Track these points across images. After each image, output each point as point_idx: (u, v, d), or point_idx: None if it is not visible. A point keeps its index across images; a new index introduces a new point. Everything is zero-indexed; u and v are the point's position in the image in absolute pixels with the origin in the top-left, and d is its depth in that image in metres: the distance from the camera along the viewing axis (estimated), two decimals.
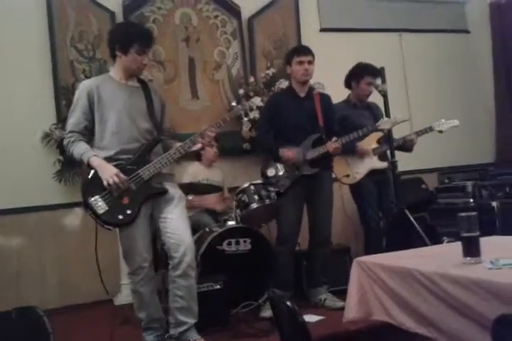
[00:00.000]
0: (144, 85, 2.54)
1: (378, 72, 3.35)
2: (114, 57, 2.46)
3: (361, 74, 3.46)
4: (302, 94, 3.20)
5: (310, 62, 3.13)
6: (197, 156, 3.77)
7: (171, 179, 2.58)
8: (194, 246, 2.49)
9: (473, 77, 5.21)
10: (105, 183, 2.30)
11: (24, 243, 3.72)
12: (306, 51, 3.18)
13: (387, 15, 4.88)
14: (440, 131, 3.41)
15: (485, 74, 5.23)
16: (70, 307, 3.67)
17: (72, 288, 3.76)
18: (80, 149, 2.38)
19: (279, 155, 3.08)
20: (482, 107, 5.13)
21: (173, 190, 2.52)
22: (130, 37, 2.38)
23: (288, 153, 3.06)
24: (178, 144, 2.48)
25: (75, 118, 2.42)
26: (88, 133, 2.44)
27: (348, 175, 3.43)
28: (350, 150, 3.38)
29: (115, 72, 2.49)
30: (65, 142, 2.44)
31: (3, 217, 3.66)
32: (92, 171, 2.35)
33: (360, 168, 3.40)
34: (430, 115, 4.46)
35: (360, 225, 3.54)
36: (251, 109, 2.69)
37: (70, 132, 2.42)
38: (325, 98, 3.26)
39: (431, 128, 3.43)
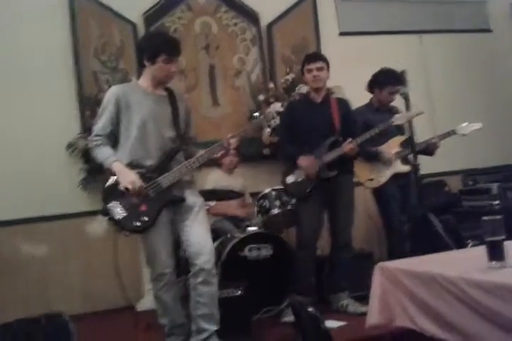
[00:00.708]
0: (171, 93, 2.57)
1: (402, 80, 3.33)
2: (142, 66, 2.51)
3: (384, 82, 3.42)
4: (318, 100, 3.23)
5: (319, 69, 3.14)
6: (218, 163, 3.81)
7: (192, 186, 2.60)
8: (215, 254, 2.51)
9: (496, 76, 5.11)
10: (122, 189, 2.34)
11: (51, 250, 3.79)
12: (314, 58, 3.21)
13: (407, 16, 4.84)
14: (463, 135, 3.37)
15: (509, 73, 5.12)
16: (95, 313, 3.73)
17: (96, 294, 3.81)
18: (104, 154, 2.42)
19: (298, 162, 3.10)
20: (506, 107, 5.03)
21: (194, 198, 2.54)
22: (157, 46, 2.43)
23: (305, 162, 3.07)
24: (200, 153, 2.50)
25: (101, 123, 2.46)
26: (114, 138, 2.48)
27: (371, 179, 3.41)
28: (373, 158, 3.37)
29: (143, 80, 2.54)
30: (90, 145, 2.50)
31: (31, 225, 3.74)
32: (113, 177, 2.38)
33: (384, 172, 3.37)
34: (454, 117, 4.40)
35: (383, 230, 3.51)
36: (273, 118, 2.68)
37: (97, 135, 2.46)
38: (343, 103, 3.28)
39: (454, 132, 3.39)
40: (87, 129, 3.78)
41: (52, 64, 3.89)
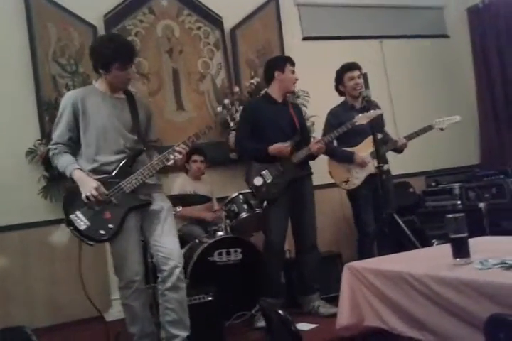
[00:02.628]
0: (130, 97, 2.52)
1: (354, 65, 3.46)
2: (97, 72, 2.45)
3: (341, 74, 3.51)
4: (279, 100, 3.25)
5: (293, 72, 3.24)
6: (185, 169, 3.77)
7: (159, 190, 2.55)
8: (183, 259, 2.47)
9: (454, 80, 5.28)
10: (83, 197, 2.27)
11: (10, 261, 3.65)
12: (292, 63, 3.27)
13: (368, 22, 4.95)
14: (441, 129, 3.39)
15: (466, 77, 5.30)
16: (60, 325, 3.61)
17: (61, 306, 3.69)
18: (63, 162, 2.35)
19: (269, 152, 3.07)
20: (465, 110, 5.16)
21: (161, 202, 2.49)
22: (109, 55, 2.34)
23: (275, 146, 3.05)
24: (160, 155, 2.45)
25: (59, 130, 2.39)
26: (74, 145, 2.41)
27: (346, 181, 3.42)
28: (349, 160, 3.39)
29: (100, 84, 2.47)
30: (50, 154, 2.42)
31: None
32: (73, 185, 2.31)
33: (359, 173, 3.39)
34: (414, 119, 4.50)
35: (352, 231, 3.54)
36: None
37: (55, 144, 2.39)
38: (297, 108, 3.38)
39: (430, 127, 3.40)
40: (46, 135, 3.69)
41: (8, 68, 3.77)
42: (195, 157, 3.75)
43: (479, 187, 3.94)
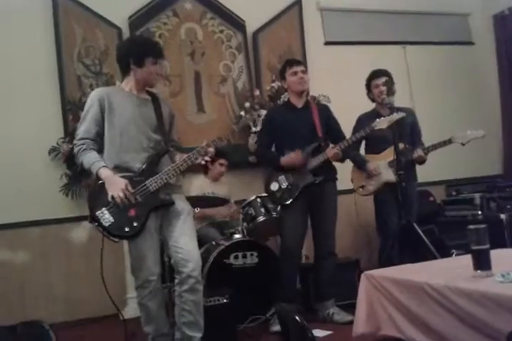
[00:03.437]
0: (154, 97, 2.55)
1: (379, 72, 3.43)
2: (126, 71, 2.48)
3: (368, 82, 3.50)
4: (299, 105, 3.23)
5: (303, 72, 3.18)
6: (204, 169, 3.78)
7: (179, 190, 2.56)
8: (201, 261, 2.47)
9: (479, 88, 5.21)
10: (109, 197, 2.30)
11: (30, 257, 3.72)
12: (297, 62, 3.26)
13: (391, 28, 4.91)
14: (462, 144, 3.25)
15: (491, 85, 5.22)
16: (77, 321, 3.66)
17: (78, 302, 3.74)
18: (89, 159, 2.36)
19: (281, 163, 3.09)
20: (488, 119, 5.10)
21: (182, 203, 2.51)
22: (144, 49, 2.42)
23: (288, 158, 3.06)
24: (185, 155, 2.46)
25: (85, 125, 2.41)
26: (100, 140, 2.43)
27: (362, 186, 3.41)
28: (361, 168, 3.39)
29: (126, 84, 2.50)
30: (75, 150, 2.42)
31: (10, 230, 3.67)
32: (99, 182, 2.34)
33: (375, 180, 3.37)
34: (436, 127, 4.46)
35: (369, 238, 3.51)
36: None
37: (81, 139, 2.40)
38: (323, 108, 3.29)
39: (450, 141, 3.28)
40: (69, 133, 3.74)
41: (35, 67, 3.84)
42: (222, 161, 3.76)
43: (501, 197, 3.87)
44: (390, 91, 3.01)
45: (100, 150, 2.43)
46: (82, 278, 3.74)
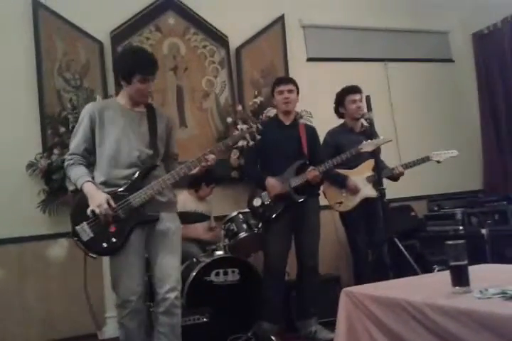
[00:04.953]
0: (150, 110, 2.50)
1: (356, 89, 3.47)
2: (119, 84, 2.46)
3: (342, 96, 3.52)
4: (287, 122, 3.24)
5: (290, 91, 3.20)
6: (195, 188, 3.73)
7: (169, 209, 2.47)
8: (181, 284, 2.41)
9: (459, 105, 5.28)
10: (89, 212, 2.25)
11: (5, 275, 3.61)
12: (285, 81, 3.27)
13: (373, 44, 4.98)
14: (438, 161, 3.43)
15: (470, 102, 5.30)
16: None
17: (56, 322, 3.63)
18: (76, 173, 2.34)
19: (265, 184, 3.08)
20: (469, 135, 5.17)
21: (169, 222, 2.43)
22: (131, 67, 2.36)
23: (271, 182, 3.06)
24: (174, 170, 2.41)
25: (76, 141, 2.39)
26: (89, 156, 2.41)
27: (340, 202, 3.40)
28: (341, 185, 3.37)
29: (121, 97, 2.48)
30: (64, 164, 2.41)
31: None
32: (82, 197, 2.30)
33: (353, 197, 3.36)
34: (418, 143, 4.52)
35: (349, 254, 3.49)
36: (258, 133, 2.59)
37: (71, 154, 2.39)
38: (310, 129, 3.32)
39: (428, 158, 3.43)
40: (48, 149, 3.69)
41: (14, 80, 3.79)
42: (213, 185, 3.78)
43: (482, 212, 3.89)
44: (370, 107, 3.02)
45: (89, 166, 2.40)
46: (59, 297, 3.65)
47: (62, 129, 3.68)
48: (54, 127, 3.73)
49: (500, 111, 5.06)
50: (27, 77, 3.82)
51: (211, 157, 2.42)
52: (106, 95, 3.92)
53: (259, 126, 2.53)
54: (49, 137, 3.74)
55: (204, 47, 4.36)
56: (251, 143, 2.57)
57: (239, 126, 2.89)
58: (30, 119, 3.77)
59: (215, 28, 4.37)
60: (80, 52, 3.95)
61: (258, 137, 2.52)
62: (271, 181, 3.07)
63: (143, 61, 2.38)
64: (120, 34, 4.09)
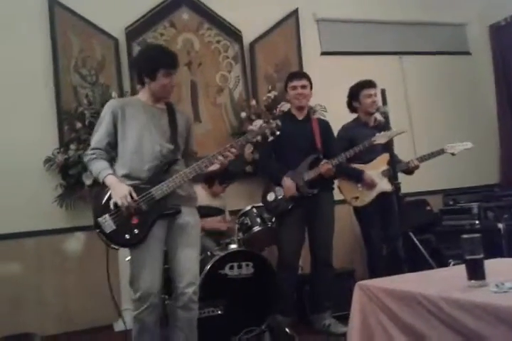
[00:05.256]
0: (170, 107, 2.53)
1: (372, 83, 3.44)
2: (141, 82, 2.47)
3: (357, 90, 3.49)
4: (300, 117, 3.24)
5: (303, 87, 3.18)
6: (209, 184, 3.76)
7: (189, 204, 2.49)
8: (199, 279, 2.43)
9: (475, 98, 5.21)
10: (111, 204, 2.28)
11: (23, 268, 3.68)
12: (299, 76, 3.25)
13: (387, 38, 4.93)
14: (452, 154, 3.39)
15: (487, 95, 5.23)
16: (70, 333, 3.61)
17: (72, 314, 3.70)
18: (98, 167, 2.36)
19: (281, 183, 3.08)
20: (485, 128, 5.11)
21: (189, 216, 2.44)
22: (155, 62, 2.39)
23: (287, 183, 3.06)
24: (195, 163, 2.42)
25: (98, 135, 2.42)
26: (111, 150, 2.43)
27: (356, 197, 3.38)
28: (357, 179, 3.35)
29: (143, 95, 2.50)
30: (85, 159, 2.43)
31: (3, 241, 3.62)
32: (105, 190, 2.32)
33: (369, 191, 3.34)
34: (433, 136, 4.47)
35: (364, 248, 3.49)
36: (278, 129, 2.60)
37: (93, 149, 2.41)
38: (323, 123, 3.31)
39: (443, 151, 3.40)
40: (64, 144, 3.74)
41: (31, 76, 3.84)
42: (225, 184, 3.79)
43: (498, 207, 3.85)
44: (385, 101, 3.00)
45: (112, 160, 2.43)
46: (76, 290, 3.71)
47: (79, 125, 3.73)
48: (70, 123, 3.77)
49: None
50: (44, 73, 3.87)
51: (233, 151, 2.43)
52: (121, 91, 3.96)
53: (279, 123, 2.53)
54: (66, 132, 3.79)
55: (218, 42, 4.37)
56: (270, 138, 2.57)
57: (254, 122, 2.89)
58: (47, 115, 3.82)
59: (228, 23, 4.38)
60: (96, 48, 3.99)
61: (277, 133, 2.51)
62: (287, 182, 3.07)
63: (165, 56, 2.42)
64: (135, 30, 4.11)
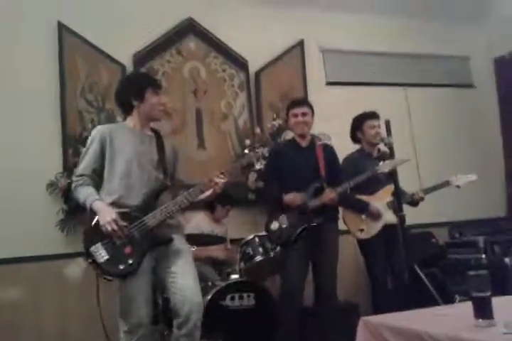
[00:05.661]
0: (157, 134, 2.55)
1: (375, 114, 3.48)
2: (128, 110, 2.50)
3: (361, 121, 3.52)
4: (304, 145, 3.23)
5: (304, 114, 3.19)
6: (210, 209, 3.72)
7: (179, 232, 2.49)
8: (203, 305, 2.38)
9: (480, 130, 5.20)
10: (104, 229, 2.24)
11: (24, 294, 3.61)
12: (299, 103, 3.27)
13: (392, 69, 4.96)
14: (458, 186, 3.38)
15: (492, 128, 5.22)
16: None
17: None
18: (85, 193, 2.35)
19: (284, 201, 3.04)
20: (491, 161, 5.08)
21: (182, 244, 2.45)
22: (141, 83, 2.47)
23: (291, 196, 3.02)
24: (188, 191, 2.42)
25: (85, 162, 2.42)
26: (97, 178, 2.42)
27: (362, 230, 3.33)
28: (363, 211, 3.31)
29: (130, 121, 2.52)
30: (72, 185, 2.43)
31: (3, 266, 3.56)
32: (96, 217, 2.29)
33: (375, 223, 3.30)
34: (438, 168, 4.44)
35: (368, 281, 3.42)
36: (263, 157, 2.65)
37: (79, 175, 2.40)
38: (328, 149, 3.29)
39: (447, 183, 3.40)
40: (68, 168, 3.73)
41: (38, 100, 3.85)
42: (229, 207, 3.76)
43: (505, 241, 3.78)
44: (389, 132, 3.00)
45: (97, 187, 2.41)
46: (76, 317, 3.62)
47: (83, 149, 3.72)
48: (75, 147, 3.78)
49: None
50: (50, 97, 3.88)
51: (220, 180, 2.42)
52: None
53: (265, 152, 2.62)
54: (70, 157, 3.79)
55: (224, 70, 4.41)
56: (257, 166, 2.62)
57: (262, 149, 2.91)
58: (52, 139, 3.82)
59: (234, 51, 4.42)
60: (103, 74, 4.02)
61: (263, 162, 2.56)
62: (290, 195, 3.03)
63: (149, 76, 2.61)
64: (142, 57, 4.15)
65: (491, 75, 5.28)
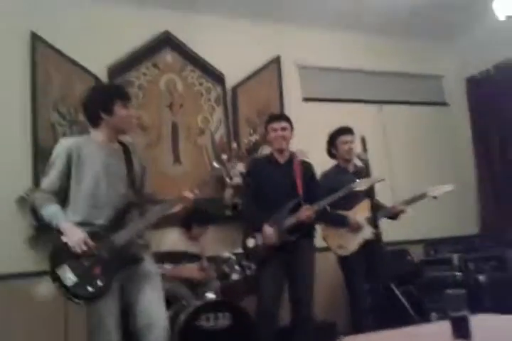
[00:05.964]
0: (125, 147, 2.48)
1: (348, 130, 3.49)
2: (96, 123, 2.42)
3: (334, 137, 3.53)
4: (282, 161, 3.20)
5: (284, 129, 3.18)
6: (185, 225, 3.65)
7: (147, 251, 2.43)
8: (169, 329, 2.30)
9: (453, 148, 5.29)
10: (73, 250, 2.16)
11: None
12: (279, 118, 3.28)
13: (368, 87, 5.04)
14: (434, 197, 3.39)
15: (464, 145, 5.32)
16: None
17: None
18: (50, 211, 2.25)
19: (262, 230, 3.01)
20: (463, 178, 5.14)
21: (150, 264, 2.39)
22: (110, 96, 2.38)
23: (269, 233, 2.99)
24: (156, 207, 2.37)
25: (49, 178, 2.32)
26: (63, 193, 2.32)
27: (341, 246, 3.31)
28: (342, 224, 3.29)
29: (96, 134, 2.43)
30: (36, 202, 2.34)
31: None
32: (63, 237, 2.20)
33: (354, 239, 3.28)
34: (413, 184, 4.45)
35: (347, 299, 3.38)
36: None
37: (43, 192, 2.31)
38: (306, 166, 3.27)
39: (425, 195, 3.40)
40: (38, 183, 3.61)
41: (8, 112, 3.74)
42: (206, 226, 3.70)
43: (479, 258, 3.81)
44: (365, 148, 3.01)
45: (61, 204, 2.31)
46: (45, 337, 3.46)
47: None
48: (46, 161, 3.65)
49: (494, 155, 5.07)
50: (21, 109, 3.76)
51: (190, 195, 2.39)
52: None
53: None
54: (40, 171, 3.66)
55: (201, 84, 4.38)
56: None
57: (215, 164, 2.94)
58: (22, 152, 3.70)
59: (211, 65, 4.41)
60: (76, 86, 3.92)
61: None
62: (268, 231, 3.00)
63: (118, 88, 2.53)
64: (117, 69, 4.09)
65: (463, 94, 5.40)
